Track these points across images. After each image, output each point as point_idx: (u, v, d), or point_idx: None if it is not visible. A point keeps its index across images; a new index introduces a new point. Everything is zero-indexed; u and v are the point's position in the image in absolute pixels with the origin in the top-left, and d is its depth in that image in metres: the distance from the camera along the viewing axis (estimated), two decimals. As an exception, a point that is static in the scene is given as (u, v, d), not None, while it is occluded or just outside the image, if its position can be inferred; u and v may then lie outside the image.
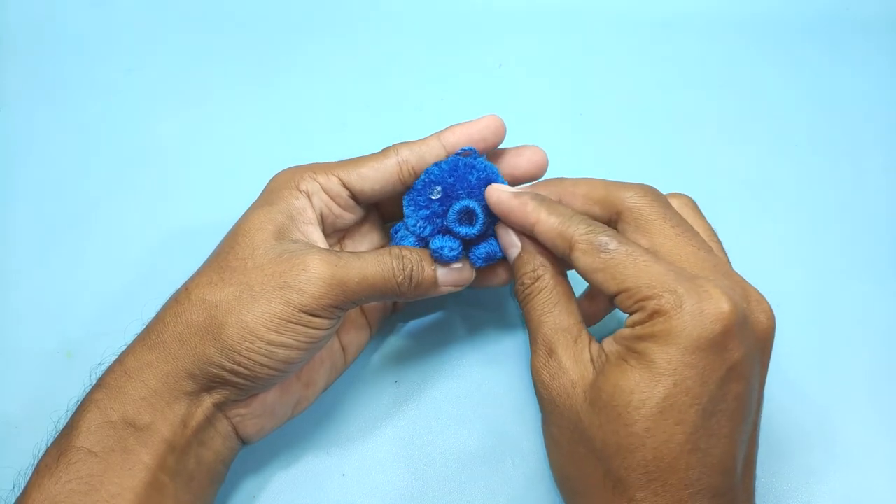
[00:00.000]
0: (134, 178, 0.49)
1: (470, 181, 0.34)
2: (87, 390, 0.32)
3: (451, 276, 0.35)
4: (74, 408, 0.32)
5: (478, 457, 0.39)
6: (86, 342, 0.43)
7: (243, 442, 0.35)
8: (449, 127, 0.37)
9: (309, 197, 0.35)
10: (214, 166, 0.49)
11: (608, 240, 0.30)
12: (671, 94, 0.52)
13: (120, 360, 0.32)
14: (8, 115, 0.51)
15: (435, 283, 0.35)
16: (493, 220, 0.35)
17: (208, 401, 0.32)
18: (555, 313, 0.32)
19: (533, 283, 0.33)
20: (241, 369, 0.31)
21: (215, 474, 0.34)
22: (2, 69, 0.53)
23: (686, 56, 0.53)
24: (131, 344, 0.33)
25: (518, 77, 0.52)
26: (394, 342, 0.43)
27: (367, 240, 0.40)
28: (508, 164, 0.38)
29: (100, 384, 0.32)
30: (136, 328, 0.34)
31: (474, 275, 0.37)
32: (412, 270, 0.34)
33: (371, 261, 0.33)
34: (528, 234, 0.34)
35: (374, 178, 0.35)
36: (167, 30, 0.55)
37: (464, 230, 0.34)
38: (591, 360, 0.30)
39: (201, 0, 0.55)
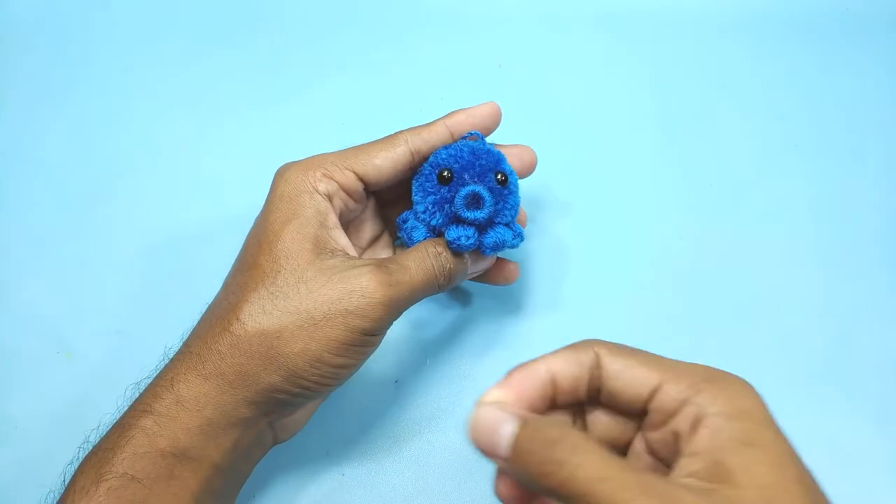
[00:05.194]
0: (134, 177, 0.49)
1: (476, 165, 0.35)
2: (124, 410, 0.32)
3: (480, 264, 0.37)
4: (109, 425, 0.31)
5: (478, 457, 0.39)
6: (86, 342, 0.43)
7: (274, 444, 0.35)
8: (452, 113, 0.37)
9: (329, 199, 0.34)
10: (214, 165, 0.49)
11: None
12: (670, 94, 0.52)
13: (169, 386, 0.31)
14: (8, 115, 0.51)
15: (465, 273, 0.36)
16: (502, 205, 0.35)
17: (264, 421, 0.33)
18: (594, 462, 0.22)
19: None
20: (305, 391, 0.32)
21: (246, 477, 0.34)
22: (2, 69, 0.53)
23: (685, 56, 0.53)
24: (179, 368, 0.31)
25: (518, 77, 0.52)
26: (394, 342, 0.42)
27: (368, 227, 0.39)
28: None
29: (147, 409, 0.30)
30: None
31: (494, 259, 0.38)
32: (450, 269, 0.35)
33: (416, 270, 0.33)
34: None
35: (389, 168, 0.35)
36: (167, 29, 0.55)
37: (472, 215, 0.34)
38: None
39: (201, 0, 0.55)
